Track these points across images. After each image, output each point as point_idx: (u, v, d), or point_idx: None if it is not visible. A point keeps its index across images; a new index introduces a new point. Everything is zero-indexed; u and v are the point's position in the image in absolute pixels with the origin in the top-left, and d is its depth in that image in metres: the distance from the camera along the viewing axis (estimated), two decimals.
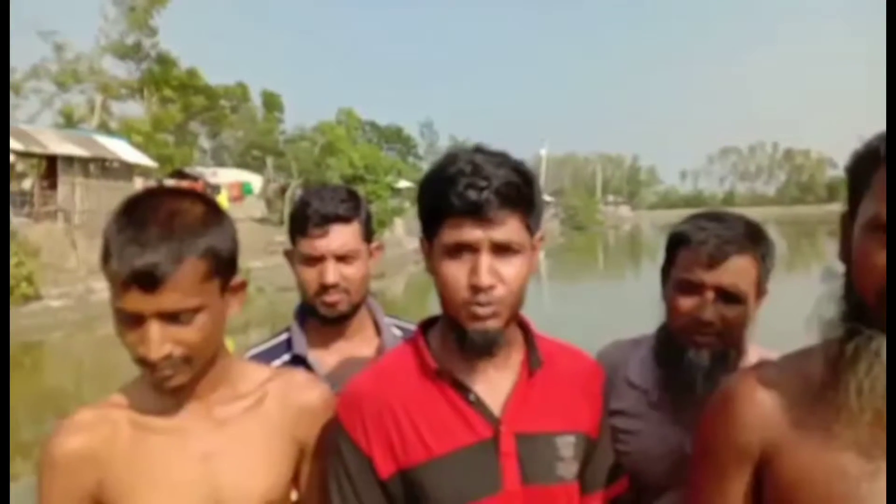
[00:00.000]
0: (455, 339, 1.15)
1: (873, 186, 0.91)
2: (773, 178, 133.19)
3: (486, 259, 1.09)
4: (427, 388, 1.18)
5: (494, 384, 1.18)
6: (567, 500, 1.19)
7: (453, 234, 1.10)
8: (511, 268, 1.11)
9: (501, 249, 1.10)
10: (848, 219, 0.98)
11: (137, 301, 1.04)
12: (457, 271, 1.11)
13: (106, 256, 1.06)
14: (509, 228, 1.10)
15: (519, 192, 1.10)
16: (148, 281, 1.03)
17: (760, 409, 1.00)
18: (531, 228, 1.14)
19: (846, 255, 0.97)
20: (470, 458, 1.14)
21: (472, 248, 1.10)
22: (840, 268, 0.98)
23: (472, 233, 1.09)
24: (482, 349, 1.14)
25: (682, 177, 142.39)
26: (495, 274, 1.10)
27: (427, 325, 1.27)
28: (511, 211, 1.09)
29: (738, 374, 1.11)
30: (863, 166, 0.94)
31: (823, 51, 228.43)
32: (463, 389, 1.17)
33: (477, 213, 1.07)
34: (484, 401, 1.17)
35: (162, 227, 1.05)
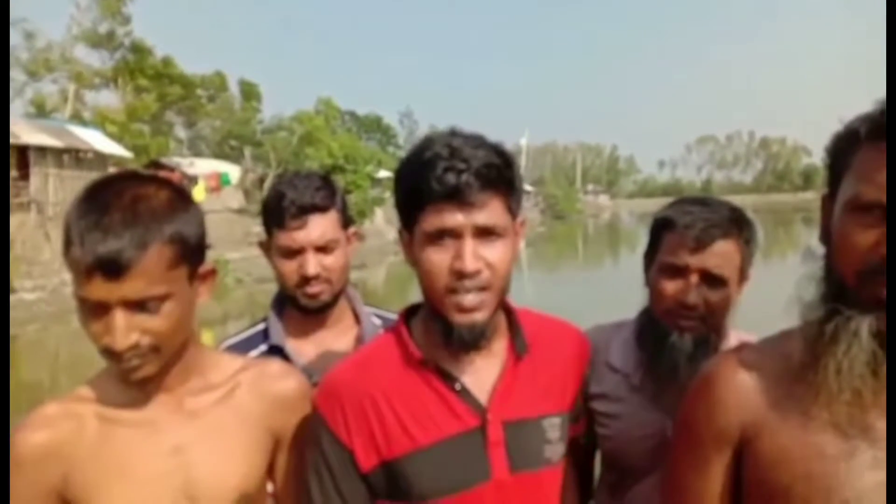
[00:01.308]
0: (440, 330, 1.12)
1: (853, 167, 0.91)
2: (750, 166, 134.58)
3: (469, 244, 1.05)
4: (411, 377, 1.15)
5: (480, 372, 1.16)
6: (553, 482, 1.18)
7: (434, 220, 1.06)
8: (496, 252, 1.08)
9: (485, 233, 1.06)
10: (828, 200, 0.97)
11: (101, 289, 1.00)
12: (439, 259, 1.07)
13: (67, 243, 1.01)
14: (491, 211, 1.06)
15: (499, 173, 1.06)
16: (112, 268, 0.99)
17: (740, 391, 1.00)
18: (513, 211, 1.11)
19: (826, 236, 0.97)
20: (456, 448, 1.12)
21: (454, 234, 1.06)
22: (820, 250, 0.98)
23: (454, 218, 1.05)
24: (470, 344, 1.11)
25: (661, 166, 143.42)
26: (480, 258, 1.06)
27: (409, 313, 1.23)
28: (492, 193, 1.06)
29: (719, 356, 1.11)
30: (842, 147, 0.94)
31: (798, 46, 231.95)
32: (449, 379, 1.14)
33: (457, 197, 1.04)
34: (470, 390, 1.14)
35: (126, 213, 1.01)
